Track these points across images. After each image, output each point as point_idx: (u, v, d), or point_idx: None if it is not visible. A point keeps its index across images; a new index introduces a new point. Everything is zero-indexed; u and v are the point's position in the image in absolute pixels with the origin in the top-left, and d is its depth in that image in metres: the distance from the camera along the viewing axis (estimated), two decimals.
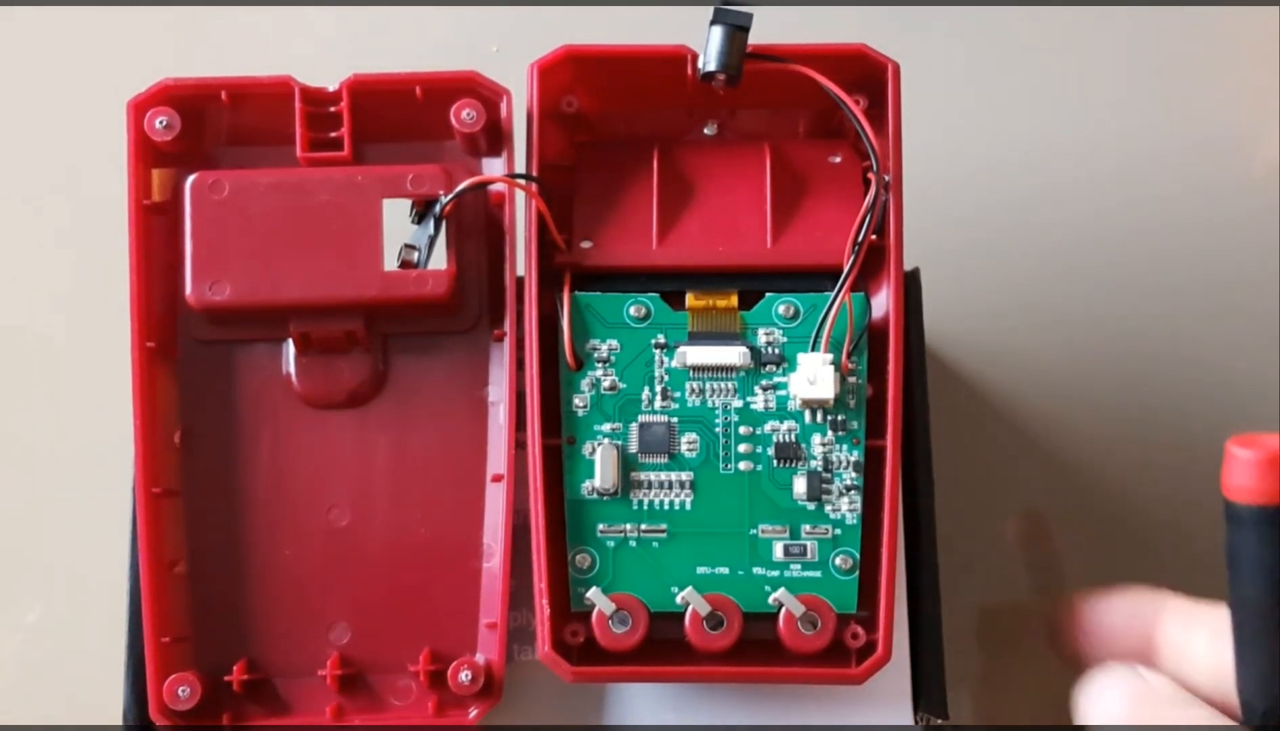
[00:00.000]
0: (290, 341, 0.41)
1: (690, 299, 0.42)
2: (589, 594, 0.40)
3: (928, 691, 0.41)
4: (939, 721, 0.41)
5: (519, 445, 0.41)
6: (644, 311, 0.42)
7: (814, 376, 0.41)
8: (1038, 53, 0.55)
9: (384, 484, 0.41)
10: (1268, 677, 0.32)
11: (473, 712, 0.41)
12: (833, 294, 0.40)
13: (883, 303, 0.41)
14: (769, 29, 0.40)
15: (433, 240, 0.40)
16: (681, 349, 0.41)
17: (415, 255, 0.40)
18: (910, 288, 0.43)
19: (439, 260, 0.40)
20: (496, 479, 0.42)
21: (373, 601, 0.40)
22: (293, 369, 0.41)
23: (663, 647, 0.40)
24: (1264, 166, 0.53)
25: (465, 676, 0.40)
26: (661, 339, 0.42)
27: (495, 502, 0.41)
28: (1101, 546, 0.49)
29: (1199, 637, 0.36)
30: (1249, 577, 0.32)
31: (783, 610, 0.40)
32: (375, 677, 0.41)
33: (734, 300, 0.42)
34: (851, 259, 0.41)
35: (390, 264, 0.39)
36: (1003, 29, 0.55)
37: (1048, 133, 0.55)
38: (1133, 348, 0.52)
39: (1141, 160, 0.54)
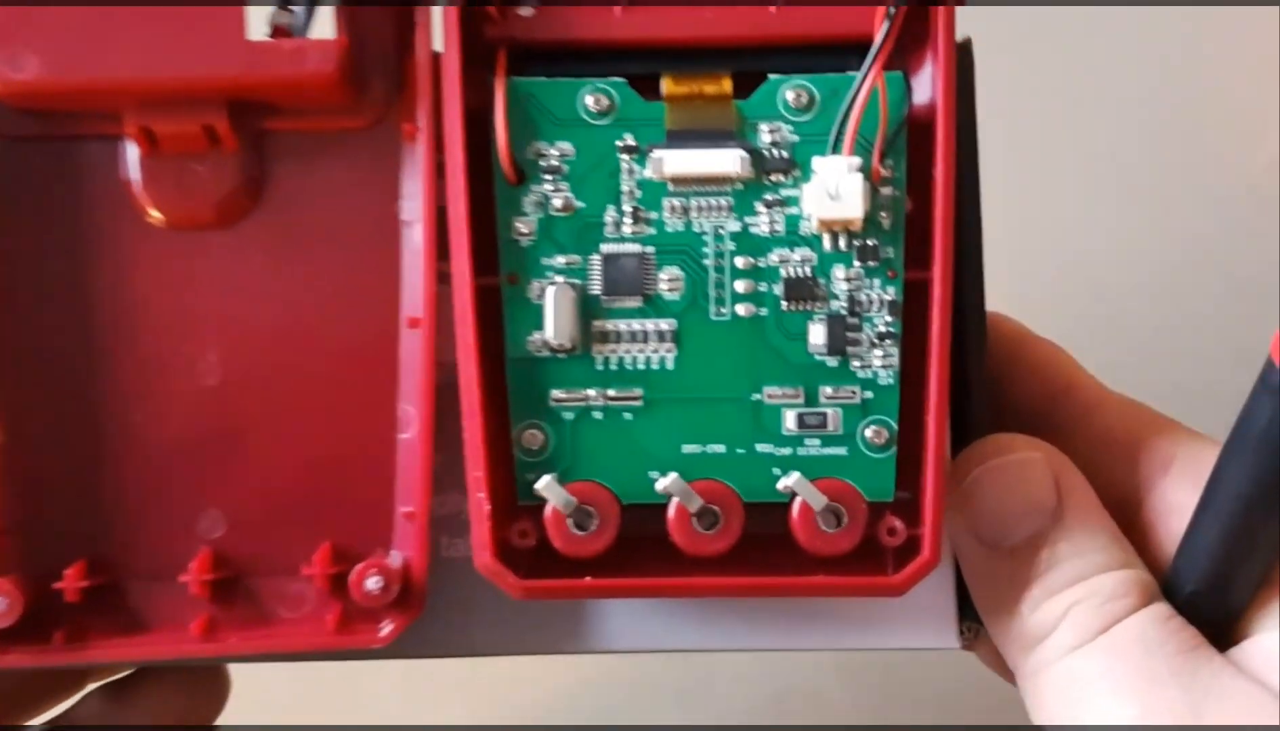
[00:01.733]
0: (130, 139, 0.32)
1: (668, 84, 0.31)
2: (540, 484, 0.30)
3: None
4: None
5: (442, 279, 0.31)
6: (606, 103, 0.31)
7: (835, 187, 0.30)
8: (1037, 53, 0.55)
9: (265, 330, 0.33)
10: (1212, 559, 0.30)
11: (385, 628, 0.31)
12: (860, 73, 0.30)
13: (926, 85, 0.31)
14: None
15: None
16: (657, 153, 0.31)
17: (292, 20, 0.31)
18: (962, 63, 0.32)
19: (325, 27, 0.31)
20: (413, 324, 0.32)
21: (253, 483, 0.32)
22: (136, 176, 0.32)
23: (639, 552, 0.31)
24: (1264, 166, 0.54)
25: (374, 582, 0.31)
26: (630, 140, 0.31)
27: (412, 354, 0.32)
28: None
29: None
30: (1255, 447, 0.28)
31: (797, 500, 0.30)
32: (257, 582, 0.33)
33: (727, 85, 0.31)
34: (886, 25, 0.30)
35: (259, 32, 0.30)
36: (1003, 28, 0.51)
37: (1046, 132, 0.55)
38: (1130, 348, 0.53)
39: (1142, 159, 0.54)
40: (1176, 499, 0.31)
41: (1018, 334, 0.36)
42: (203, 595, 0.31)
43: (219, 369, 0.32)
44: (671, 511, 0.30)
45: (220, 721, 0.37)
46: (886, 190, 0.31)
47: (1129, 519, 0.32)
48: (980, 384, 0.33)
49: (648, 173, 0.31)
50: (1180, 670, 0.28)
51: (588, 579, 0.30)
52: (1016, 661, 0.31)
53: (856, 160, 0.30)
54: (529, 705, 0.52)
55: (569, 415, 0.31)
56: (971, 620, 0.33)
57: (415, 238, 0.32)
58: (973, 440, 0.32)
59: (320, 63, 0.30)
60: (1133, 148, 0.55)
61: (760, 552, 0.31)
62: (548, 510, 0.30)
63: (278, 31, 0.30)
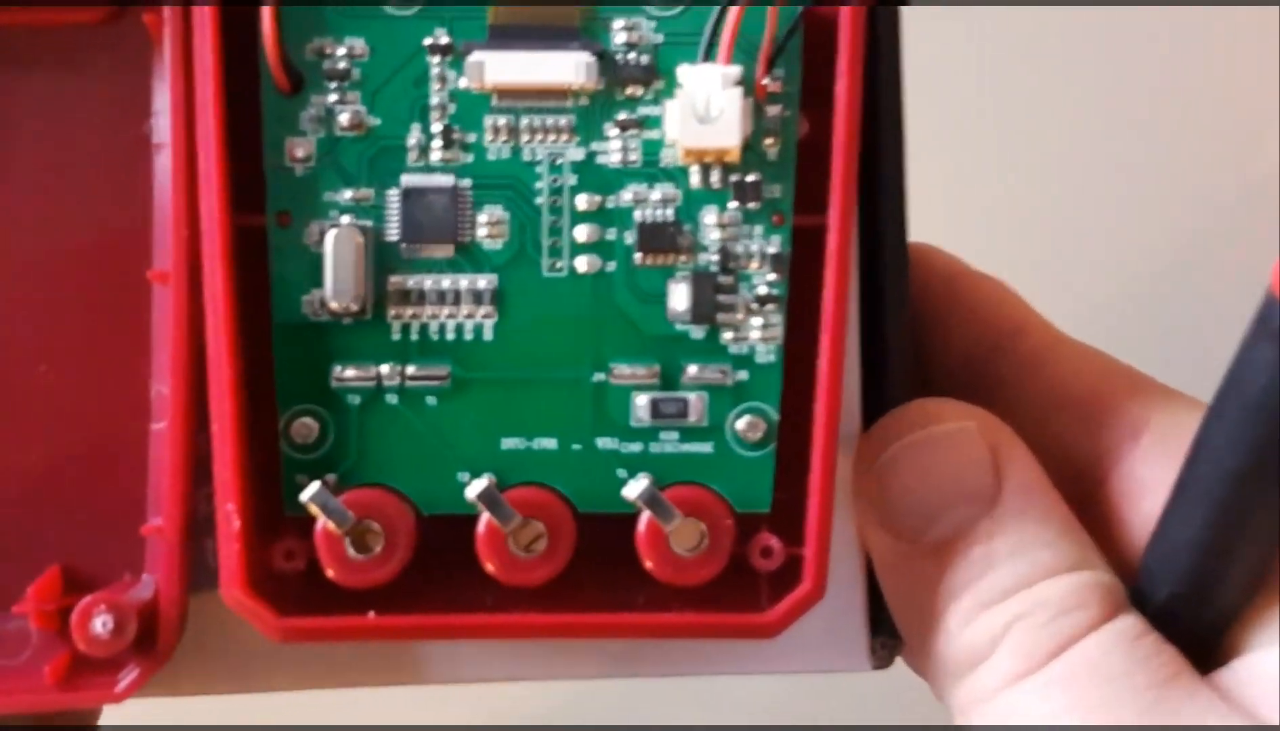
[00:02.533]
0: None
1: None
2: (306, 493, 0.23)
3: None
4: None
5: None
6: None
7: (707, 106, 0.23)
8: (1037, 51, 0.55)
9: None
10: (1195, 552, 0.23)
11: (125, 678, 0.24)
12: None
13: None
14: None
15: None
16: (477, 55, 0.24)
17: None
18: None
19: None
20: (160, 279, 0.25)
21: None
22: None
23: (445, 575, 0.24)
24: (1264, 166, 0.54)
25: (101, 624, 0.24)
26: (443, 37, 0.24)
27: (164, 320, 0.25)
28: None
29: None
30: (1251, 408, 0.22)
31: (644, 516, 0.23)
32: None
33: None
34: None
35: None
36: (1003, 26, 0.53)
37: (1047, 131, 0.54)
38: (1127, 349, 0.48)
39: (1141, 159, 0.54)
40: (1149, 474, 0.25)
41: (953, 269, 0.29)
42: None
43: None
44: (481, 528, 0.23)
45: (218, 720, 0.32)
46: (774, 109, 0.24)
47: (1088, 501, 0.25)
48: (900, 341, 0.26)
49: (464, 82, 0.24)
50: (1152, 708, 0.22)
51: (371, 615, 0.23)
52: (945, 691, 0.24)
53: (735, 69, 0.23)
54: (529, 705, 0.50)
55: (354, 399, 0.24)
56: (886, 635, 0.26)
57: (166, 164, 0.24)
58: (890, 409, 0.25)
59: None
60: (1132, 147, 0.54)
61: (601, 574, 0.24)
62: (318, 527, 0.23)
63: None
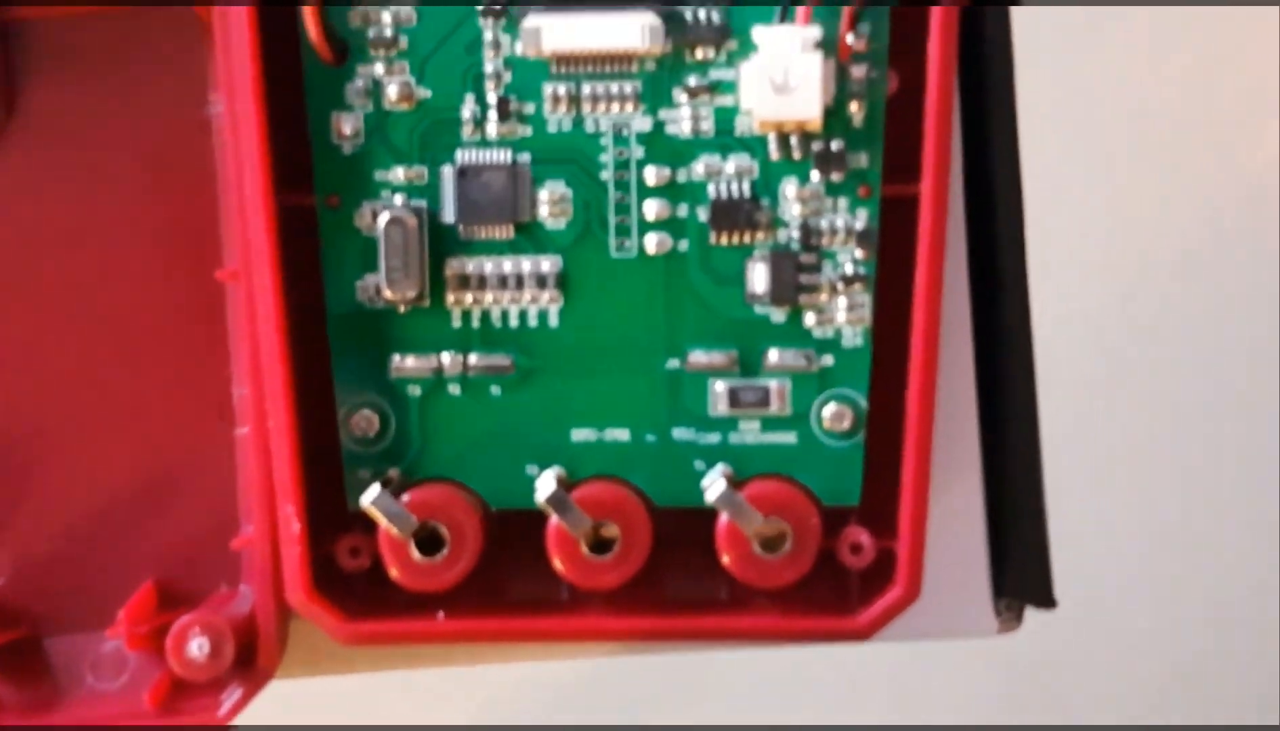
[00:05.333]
0: None
1: None
2: (366, 498, 0.22)
3: (1019, 566, 0.24)
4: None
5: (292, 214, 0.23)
6: None
7: (785, 72, 0.21)
8: (1035, 53, 0.50)
9: (36, 299, 0.24)
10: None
11: (227, 701, 0.23)
12: None
13: None
14: None
15: None
16: (534, 19, 0.22)
17: None
18: None
19: None
20: (231, 276, 0.23)
21: (41, 509, 0.25)
22: None
23: (514, 572, 0.23)
24: (1264, 166, 0.54)
25: (198, 647, 0.23)
26: None
27: (240, 318, 0.24)
28: None
29: None
30: None
31: (723, 515, 0.22)
32: (59, 643, 0.25)
33: None
34: None
35: None
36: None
37: (1045, 132, 0.50)
38: (1128, 347, 0.53)
39: (1141, 159, 0.54)
40: None
41: None
42: None
43: None
44: (551, 532, 0.22)
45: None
46: (859, 70, 0.22)
47: None
48: (1020, 335, 0.24)
49: (522, 49, 0.22)
50: None
51: (440, 617, 0.22)
52: None
53: (815, 30, 0.21)
54: (529, 705, 0.51)
55: (415, 390, 0.23)
56: (1011, 597, 0.25)
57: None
58: (1007, 409, 0.23)
59: None
60: (1132, 147, 0.55)
61: (680, 571, 0.23)
62: (380, 531, 0.22)
63: None
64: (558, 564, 0.22)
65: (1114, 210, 0.54)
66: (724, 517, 0.22)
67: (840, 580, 0.23)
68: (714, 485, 0.22)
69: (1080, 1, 0.55)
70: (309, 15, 0.21)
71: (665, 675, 0.50)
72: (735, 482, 0.22)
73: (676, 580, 0.23)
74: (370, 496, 0.22)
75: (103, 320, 0.24)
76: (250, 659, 0.23)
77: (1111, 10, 0.54)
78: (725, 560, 0.22)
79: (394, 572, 0.22)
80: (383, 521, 0.22)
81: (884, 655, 0.48)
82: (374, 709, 0.49)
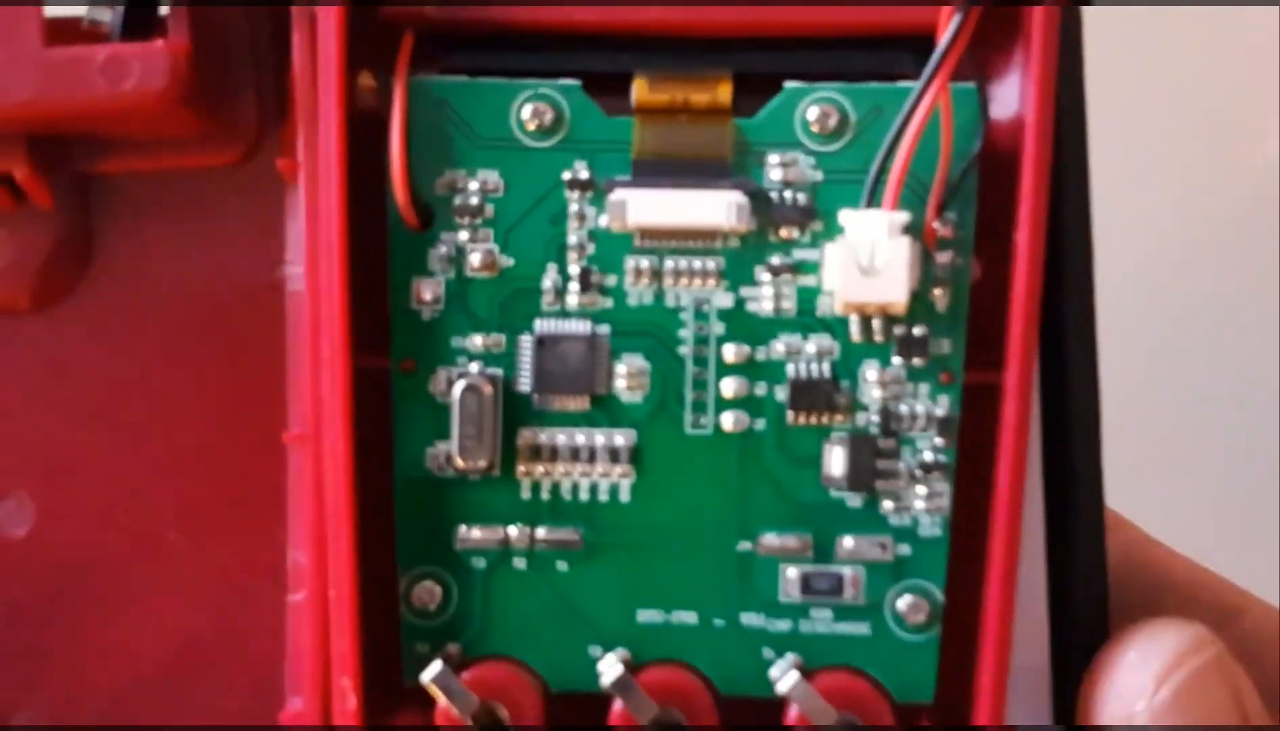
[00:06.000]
0: None
1: (641, 89, 0.22)
2: (428, 674, 0.21)
3: None
4: None
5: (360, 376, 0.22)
6: (551, 116, 0.22)
7: (871, 255, 0.21)
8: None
9: (95, 454, 0.24)
10: None
11: None
12: (918, 84, 0.20)
13: (1011, 99, 0.21)
14: None
15: None
16: (620, 193, 0.22)
17: (107, 19, 0.22)
18: (1067, 61, 0.22)
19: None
20: (298, 440, 0.23)
21: (79, 675, 0.24)
22: None
23: None
24: (1264, 166, 0.54)
25: None
26: (583, 171, 0.22)
27: (301, 480, 0.23)
28: None
29: None
30: None
31: (793, 708, 0.21)
32: None
33: (725, 93, 0.22)
34: (958, 17, 0.20)
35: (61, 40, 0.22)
36: None
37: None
38: (1128, 346, 0.50)
39: (1141, 159, 0.53)
40: None
41: (1151, 556, 0.27)
42: None
43: (31, 511, 0.24)
44: (615, 716, 0.21)
45: None
46: (945, 257, 0.22)
47: None
48: (1090, 512, 0.23)
49: (605, 220, 0.22)
50: None
51: None
52: None
53: (903, 216, 0.21)
54: None
55: (480, 562, 0.22)
56: None
57: (301, 316, 0.23)
58: (1077, 600, 0.22)
59: (148, 77, 0.22)
60: (1132, 147, 0.52)
61: None
62: (439, 709, 0.21)
63: (91, 36, 0.22)
64: None
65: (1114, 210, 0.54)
66: (794, 710, 0.21)
67: None
68: (786, 676, 0.21)
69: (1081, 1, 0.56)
70: (397, 180, 0.22)
71: None
72: (805, 673, 0.21)
73: None
74: (431, 672, 0.21)
75: (163, 476, 0.24)
76: None
77: (1111, 10, 0.54)
78: None
79: None
80: (442, 700, 0.21)
81: None
82: None
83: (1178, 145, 0.53)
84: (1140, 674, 0.22)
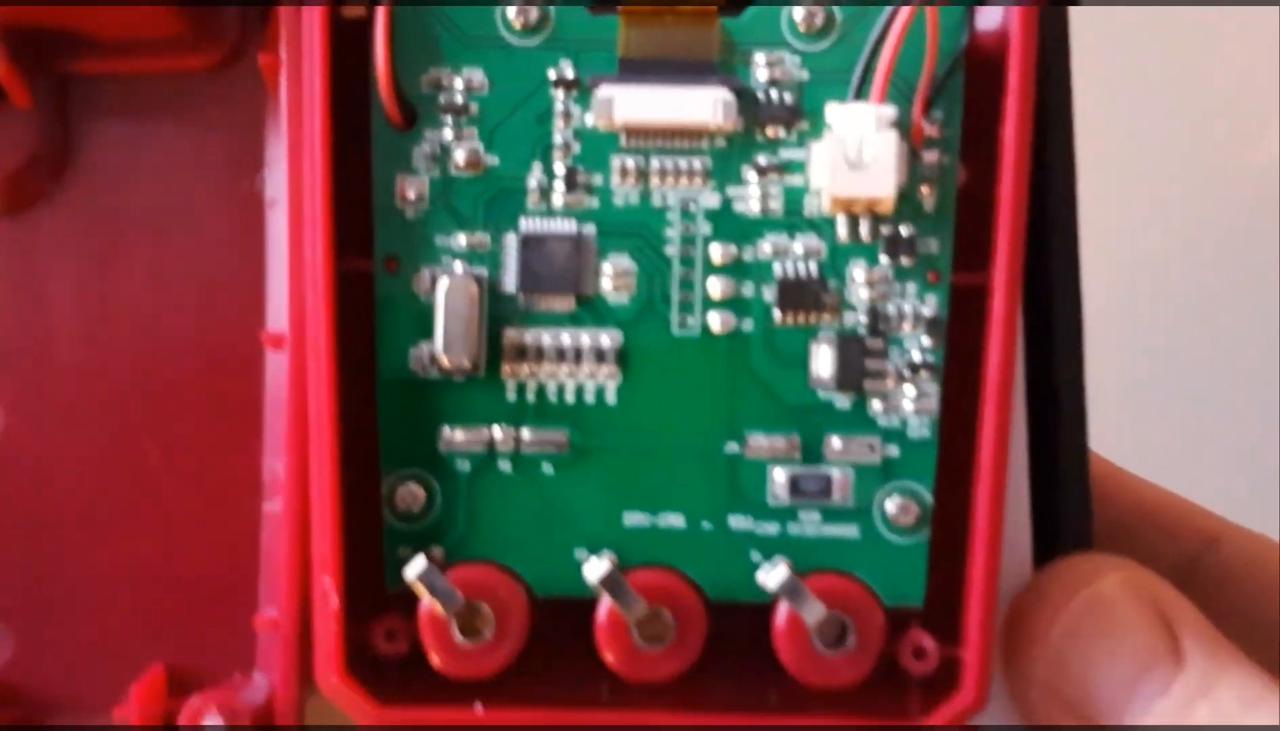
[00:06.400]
0: None
1: None
2: (411, 570, 0.21)
3: None
4: None
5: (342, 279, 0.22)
6: (536, 15, 0.22)
7: (859, 150, 0.21)
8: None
9: (70, 358, 0.24)
10: None
11: None
12: None
13: (997, 9, 0.21)
14: None
15: None
16: (606, 90, 0.21)
17: None
18: None
19: None
20: (276, 343, 0.23)
21: (53, 582, 0.24)
22: None
23: (556, 661, 0.21)
24: (1264, 166, 0.54)
25: (213, 724, 0.21)
26: (568, 70, 0.22)
27: (277, 388, 0.23)
28: None
29: None
30: None
31: (782, 606, 0.21)
32: (58, 724, 0.24)
33: None
34: None
35: None
36: None
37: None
38: (1128, 346, 0.53)
39: (1141, 159, 0.54)
40: None
41: (1128, 484, 0.27)
42: None
43: (4, 414, 0.24)
44: (602, 616, 0.21)
45: None
46: (931, 155, 0.22)
47: None
48: (1074, 438, 0.23)
49: (591, 119, 0.22)
50: None
51: (478, 707, 0.21)
52: None
53: (891, 109, 0.21)
54: None
55: (464, 465, 0.22)
56: None
57: (280, 221, 0.23)
58: (1064, 517, 0.22)
59: None
60: (1131, 147, 0.53)
61: (731, 669, 0.22)
62: (422, 608, 0.21)
63: None
64: (607, 653, 0.21)
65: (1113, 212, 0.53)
66: (783, 610, 0.21)
67: (899, 684, 0.22)
68: (775, 570, 0.21)
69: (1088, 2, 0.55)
70: (382, 76, 0.21)
71: None
72: (797, 576, 0.21)
73: (726, 679, 0.21)
74: (415, 569, 0.20)
75: (137, 381, 0.24)
76: None
77: (1111, 10, 0.53)
78: (783, 656, 0.21)
79: (435, 657, 0.21)
80: (426, 597, 0.20)
81: None
82: None
83: (1177, 145, 0.53)
84: (1045, 604, 0.22)
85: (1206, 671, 0.21)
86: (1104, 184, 0.53)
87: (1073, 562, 0.22)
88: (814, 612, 0.20)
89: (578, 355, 0.22)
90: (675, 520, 0.22)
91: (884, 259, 0.22)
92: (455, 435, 0.22)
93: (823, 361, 0.22)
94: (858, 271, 0.22)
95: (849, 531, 0.22)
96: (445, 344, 0.21)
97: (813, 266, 0.22)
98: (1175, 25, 0.52)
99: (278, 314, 0.23)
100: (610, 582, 0.20)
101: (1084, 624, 0.21)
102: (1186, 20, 0.52)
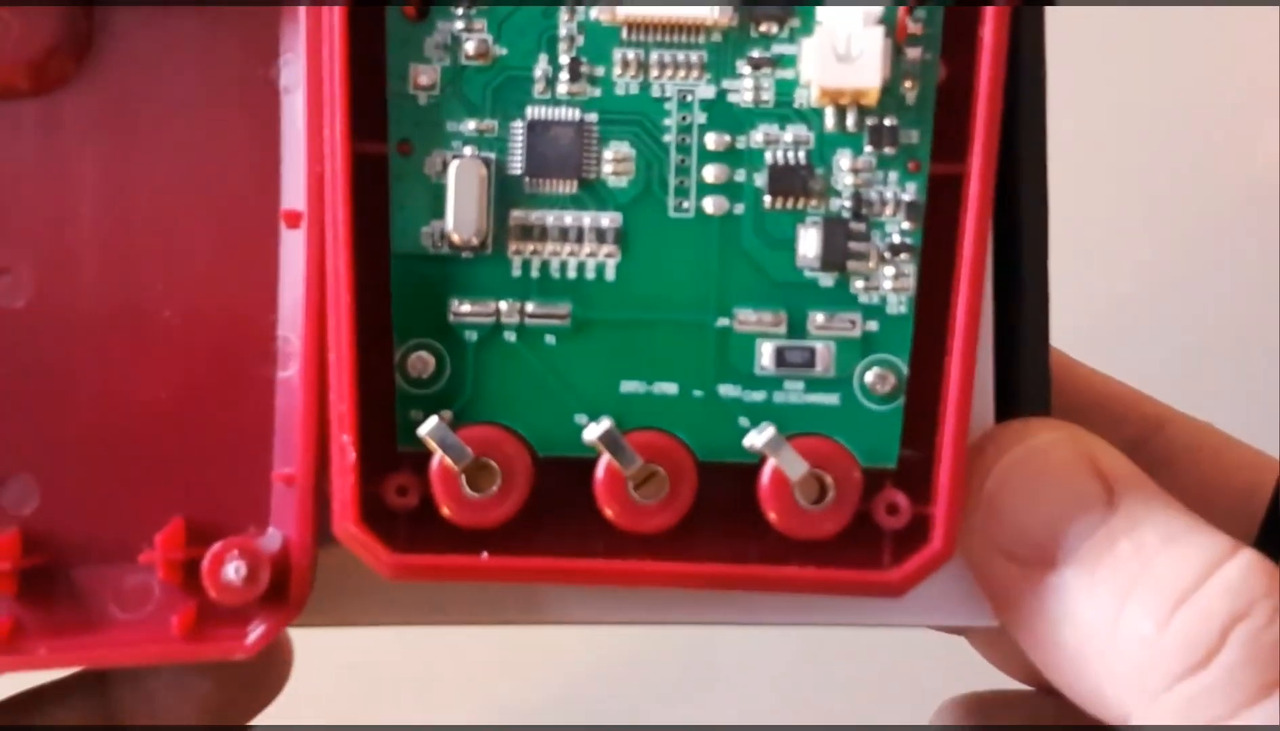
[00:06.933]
0: None
1: None
2: (424, 427, 0.22)
3: None
4: None
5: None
6: None
7: (846, 44, 0.22)
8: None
9: (92, 234, 0.25)
10: None
11: (254, 632, 0.23)
12: None
13: None
14: None
15: None
16: None
17: None
18: None
19: None
20: (292, 220, 0.24)
21: (77, 438, 0.25)
22: None
23: (558, 519, 0.23)
24: (1264, 166, 0.54)
25: (234, 570, 0.23)
26: None
27: (293, 264, 0.24)
28: None
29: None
30: None
31: (768, 464, 0.22)
32: (81, 572, 0.25)
33: None
34: None
35: None
36: None
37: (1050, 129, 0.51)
38: (1128, 346, 0.50)
39: (1141, 159, 0.54)
40: None
41: (1078, 372, 0.29)
42: (8, 591, 0.24)
43: (30, 283, 0.25)
44: (600, 471, 0.22)
45: None
46: (915, 51, 0.23)
47: None
48: (1036, 323, 0.24)
49: (595, 13, 0.23)
50: None
51: (485, 555, 0.22)
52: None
53: (877, 8, 0.22)
54: (529, 704, 0.51)
55: (471, 335, 0.23)
56: None
57: (297, 108, 0.24)
58: (1025, 400, 0.24)
59: None
60: (1131, 147, 0.55)
61: (717, 525, 0.23)
62: (434, 463, 0.22)
63: None
64: (605, 506, 0.22)
65: (1112, 210, 0.54)
66: (769, 468, 0.23)
67: (874, 539, 0.23)
68: (762, 430, 0.22)
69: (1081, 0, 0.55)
70: None
71: (674, 671, 0.50)
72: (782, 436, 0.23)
73: (714, 534, 0.23)
74: (428, 426, 0.22)
75: (156, 256, 0.24)
76: (280, 595, 0.23)
77: (1111, 10, 0.53)
78: (768, 509, 0.23)
79: (445, 508, 0.22)
80: (438, 451, 0.22)
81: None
82: (380, 709, 0.49)
83: (1177, 145, 0.54)
84: (984, 457, 0.23)
85: (1133, 512, 0.22)
86: (1103, 184, 0.53)
87: (1015, 422, 0.23)
88: (797, 468, 0.22)
89: (579, 235, 0.23)
90: (669, 388, 0.23)
91: (868, 148, 0.23)
92: (464, 307, 0.23)
93: (809, 243, 0.23)
94: (843, 159, 0.23)
95: (830, 399, 0.23)
96: (455, 222, 0.23)
97: (801, 154, 0.23)
98: (1176, 25, 0.53)
99: (292, 194, 0.24)
100: (609, 439, 0.22)
101: (1016, 472, 0.22)
102: (1187, 20, 0.53)
